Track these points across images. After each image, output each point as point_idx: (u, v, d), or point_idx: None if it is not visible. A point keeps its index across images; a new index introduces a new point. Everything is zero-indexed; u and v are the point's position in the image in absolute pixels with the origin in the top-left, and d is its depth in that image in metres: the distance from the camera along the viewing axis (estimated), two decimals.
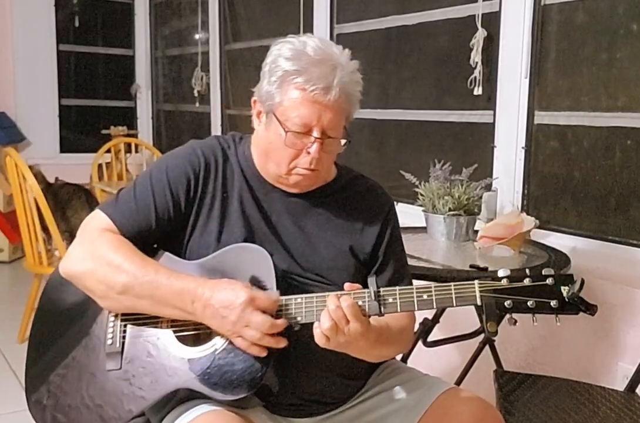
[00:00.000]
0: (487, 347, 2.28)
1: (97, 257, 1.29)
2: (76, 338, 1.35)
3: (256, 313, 1.18)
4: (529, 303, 1.17)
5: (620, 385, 1.90)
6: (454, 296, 1.19)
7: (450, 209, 2.20)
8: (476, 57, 2.55)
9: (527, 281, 1.18)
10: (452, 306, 1.20)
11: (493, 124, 2.58)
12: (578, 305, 1.17)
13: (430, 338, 2.18)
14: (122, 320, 1.33)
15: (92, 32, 5.57)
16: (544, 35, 2.41)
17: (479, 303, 1.18)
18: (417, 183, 2.34)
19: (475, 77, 2.58)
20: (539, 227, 2.22)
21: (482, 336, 2.27)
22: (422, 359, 2.15)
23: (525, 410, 1.68)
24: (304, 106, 1.28)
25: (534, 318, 1.19)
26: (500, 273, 1.19)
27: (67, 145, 5.44)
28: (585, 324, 2.18)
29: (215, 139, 1.45)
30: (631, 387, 1.85)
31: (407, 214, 2.65)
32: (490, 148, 2.59)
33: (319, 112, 1.28)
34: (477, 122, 2.72)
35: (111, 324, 1.33)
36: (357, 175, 1.51)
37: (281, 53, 1.31)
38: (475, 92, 2.58)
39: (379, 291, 1.20)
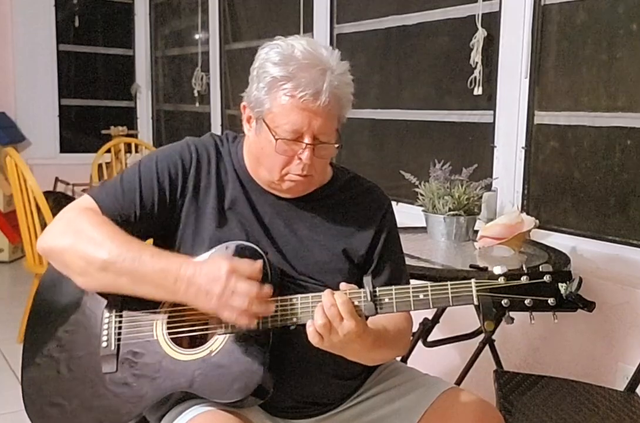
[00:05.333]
0: (487, 347, 2.27)
1: (78, 232, 1.26)
2: (71, 341, 1.34)
3: (241, 280, 1.16)
4: (526, 302, 1.15)
5: (620, 385, 1.90)
6: (450, 295, 1.17)
7: (450, 209, 2.20)
8: (476, 57, 2.55)
9: (524, 279, 1.16)
10: (449, 305, 1.19)
11: (493, 124, 2.58)
12: (576, 302, 1.15)
13: (430, 338, 2.18)
14: (116, 322, 1.32)
15: (92, 32, 5.57)
16: (544, 35, 2.41)
17: (475, 302, 1.16)
18: (417, 183, 2.33)
19: (475, 77, 2.58)
20: (539, 227, 2.22)
21: (482, 336, 2.27)
22: (422, 359, 2.15)
23: (525, 410, 1.68)
24: (294, 112, 1.25)
25: (532, 316, 1.17)
26: (497, 271, 1.17)
27: (67, 145, 5.44)
28: (585, 324, 2.18)
29: (210, 137, 1.44)
30: (631, 387, 1.84)
31: (407, 214, 2.65)
32: (490, 148, 2.59)
33: (310, 119, 1.26)
34: (477, 122, 2.72)
35: (105, 326, 1.32)
36: (354, 176, 1.48)
37: (269, 58, 1.29)
38: (475, 92, 2.58)
39: (374, 291, 1.18)
